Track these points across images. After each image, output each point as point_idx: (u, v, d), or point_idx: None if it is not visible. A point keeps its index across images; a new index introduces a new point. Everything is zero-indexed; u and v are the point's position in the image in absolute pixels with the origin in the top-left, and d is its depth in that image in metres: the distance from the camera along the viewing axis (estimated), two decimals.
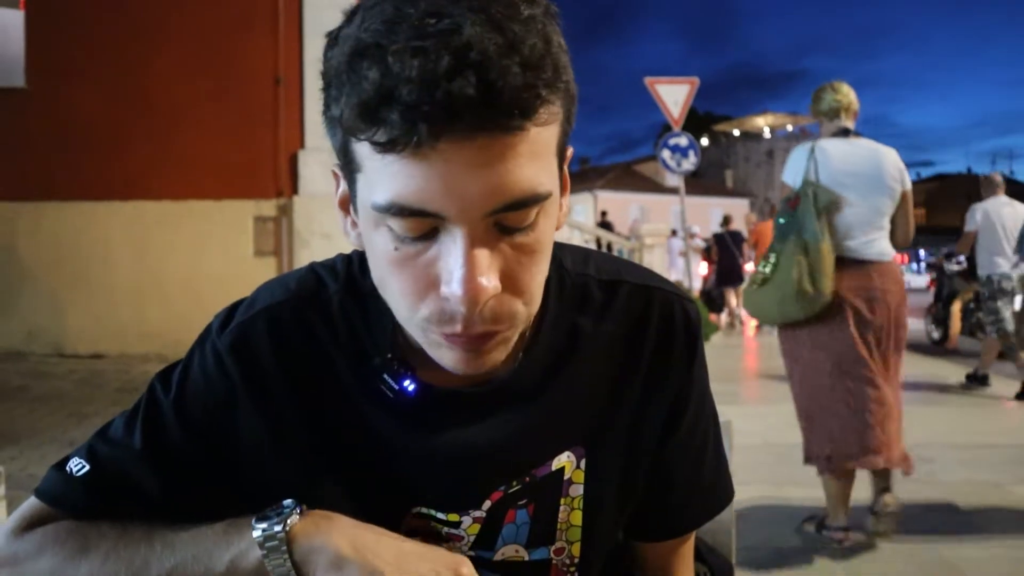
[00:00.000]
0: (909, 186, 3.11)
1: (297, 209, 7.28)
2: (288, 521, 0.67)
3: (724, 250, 11.29)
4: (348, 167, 0.64)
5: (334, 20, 0.65)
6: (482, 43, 0.55)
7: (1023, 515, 3.49)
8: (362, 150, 0.60)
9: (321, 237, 7.20)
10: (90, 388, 5.81)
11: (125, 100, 7.34)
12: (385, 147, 0.57)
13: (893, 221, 3.10)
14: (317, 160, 7.27)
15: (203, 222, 7.33)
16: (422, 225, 0.60)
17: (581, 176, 46.01)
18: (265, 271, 7.22)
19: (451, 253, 0.60)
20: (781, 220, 3.16)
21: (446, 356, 0.67)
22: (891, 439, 3.02)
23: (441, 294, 0.62)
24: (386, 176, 0.59)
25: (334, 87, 0.60)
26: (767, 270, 3.11)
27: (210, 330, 0.81)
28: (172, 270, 7.29)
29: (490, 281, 0.60)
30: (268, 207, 7.37)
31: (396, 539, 0.69)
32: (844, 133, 3.15)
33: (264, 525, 0.67)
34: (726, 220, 11.90)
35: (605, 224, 15.99)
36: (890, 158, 3.06)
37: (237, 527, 0.70)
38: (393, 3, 0.58)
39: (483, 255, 0.60)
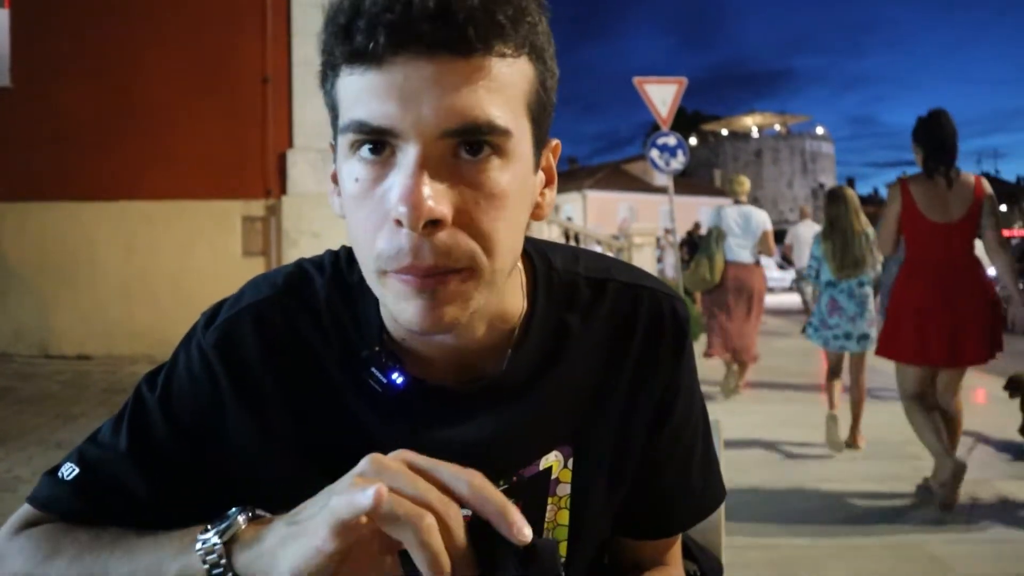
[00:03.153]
0: (769, 228, 6.09)
1: (285, 209, 7.25)
2: (228, 532, 0.63)
3: (693, 251, 12.61)
4: (333, 116, 0.67)
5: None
6: None
7: (1009, 509, 3.52)
8: (341, 82, 0.64)
9: (310, 236, 7.18)
10: (76, 389, 5.77)
11: (112, 99, 7.29)
12: (353, 58, 0.61)
13: (759, 245, 6.07)
14: (305, 159, 7.25)
15: (191, 222, 7.30)
16: (380, 146, 0.62)
17: (570, 175, 46.07)
18: (253, 271, 7.12)
19: (401, 172, 0.61)
20: (701, 244, 6.48)
21: (403, 307, 0.65)
22: (740, 347, 6.09)
23: (391, 218, 0.62)
24: (354, 95, 0.62)
25: (322, 40, 0.65)
26: (693, 266, 6.21)
27: (196, 328, 0.80)
28: (159, 271, 7.25)
29: (436, 203, 0.60)
30: (256, 207, 7.34)
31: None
32: (736, 203, 6.18)
33: (205, 537, 0.64)
34: (696, 226, 15.03)
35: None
36: (757, 216, 6.05)
37: (191, 536, 0.66)
38: None
39: (432, 176, 0.61)
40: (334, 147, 0.71)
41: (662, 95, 9.51)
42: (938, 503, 3.45)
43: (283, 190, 7.34)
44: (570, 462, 0.81)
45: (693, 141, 58.10)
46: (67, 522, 0.77)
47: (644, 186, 42.44)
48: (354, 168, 0.64)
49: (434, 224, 0.60)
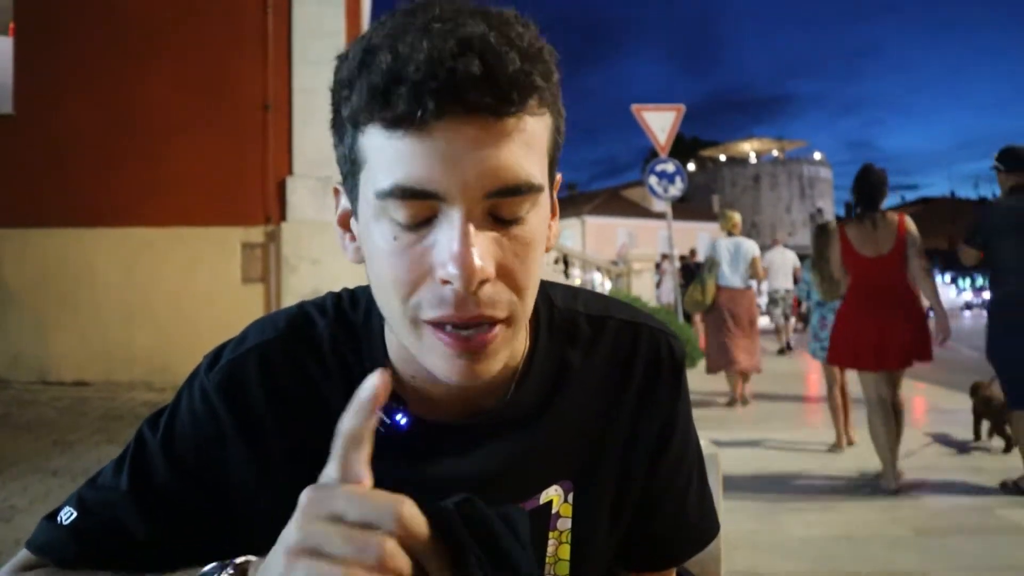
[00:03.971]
0: (757, 255, 6.93)
1: (285, 235, 7.28)
2: None
3: (688, 276, 13.14)
4: (353, 168, 0.66)
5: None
6: (484, 35, 0.60)
7: (1010, 538, 3.49)
8: (369, 140, 0.63)
9: (309, 263, 7.20)
10: (74, 416, 5.74)
11: (113, 127, 7.35)
12: (394, 124, 0.60)
13: (749, 270, 6.85)
14: (305, 186, 7.28)
15: (190, 248, 7.32)
16: (422, 209, 0.62)
17: (569, 201, 46.25)
18: (253, 298, 7.20)
19: (448, 234, 0.61)
20: (697, 271, 7.41)
21: (442, 364, 0.66)
22: (741, 360, 6.78)
23: (437, 276, 0.62)
24: (391, 158, 0.61)
25: (345, 89, 0.64)
26: (689, 291, 7.11)
27: (199, 370, 0.80)
28: (159, 297, 7.26)
29: (486, 262, 0.61)
30: (256, 233, 7.37)
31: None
32: (729, 235, 7.01)
33: None
34: (692, 252, 16.24)
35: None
36: (746, 246, 6.89)
37: None
38: (401, 17, 0.63)
39: (480, 237, 0.62)
40: (339, 191, 0.71)
41: (660, 122, 9.58)
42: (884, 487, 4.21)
43: (283, 216, 7.38)
44: (570, 496, 0.81)
45: (691, 167, 58.38)
46: (62, 567, 0.76)
47: (643, 212, 42.59)
48: (390, 226, 0.64)
49: (481, 282, 0.62)
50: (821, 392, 6.26)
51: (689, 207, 47.31)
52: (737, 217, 7.18)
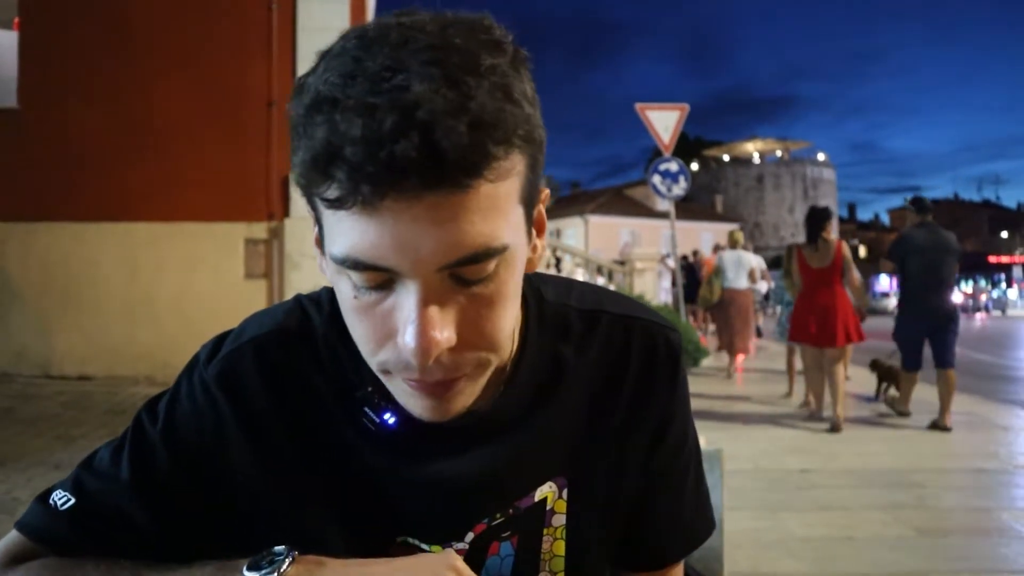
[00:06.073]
0: (753, 265, 9.09)
1: (288, 232, 7.28)
2: (280, 571, 0.64)
3: (690, 274, 14.19)
4: (314, 213, 0.64)
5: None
6: (431, 101, 0.53)
7: (1012, 539, 3.49)
8: (319, 203, 0.60)
9: (312, 260, 7.18)
10: (78, 410, 5.76)
11: (117, 122, 7.35)
12: (333, 204, 0.57)
13: (750, 275, 9.05)
14: None
15: (194, 244, 7.33)
16: (377, 277, 0.60)
17: (572, 200, 46.28)
18: (256, 294, 7.20)
19: (404, 306, 0.60)
20: (711, 275, 9.60)
21: (412, 403, 0.67)
22: (739, 344, 9.09)
23: (399, 342, 0.61)
24: (341, 229, 0.59)
25: (294, 137, 0.60)
26: (701, 291, 9.75)
27: (197, 360, 0.80)
28: (162, 292, 7.27)
29: (443, 334, 0.60)
30: (259, 229, 7.38)
31: (385, 563, 0.67)
32: (733, 248, 9.27)
33: (256, 574, 0.65)
34: (694, 253, 16.94)
35: None
36: (745, 257, 9.15)
37: (227, 572, 0.67)
38: (353, 53, 0.58)
39: (435, 309, 0.60)
40: (313, 217, 0.67)
41: (664, 121, 9.57)
42: (829, 427, 6.00)
43: (286, 213, 7.38)
44: (565, 492, 0.81)
45: (695, 167, 58.37)
46: (60, 555, 0.75)
47: (646, 211, 42.62)
48: (350, 286, 0.62)
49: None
50: (780, 367, 8.93)
51: (692, 207, 47.31)
52: (741, 235, 9.44)
